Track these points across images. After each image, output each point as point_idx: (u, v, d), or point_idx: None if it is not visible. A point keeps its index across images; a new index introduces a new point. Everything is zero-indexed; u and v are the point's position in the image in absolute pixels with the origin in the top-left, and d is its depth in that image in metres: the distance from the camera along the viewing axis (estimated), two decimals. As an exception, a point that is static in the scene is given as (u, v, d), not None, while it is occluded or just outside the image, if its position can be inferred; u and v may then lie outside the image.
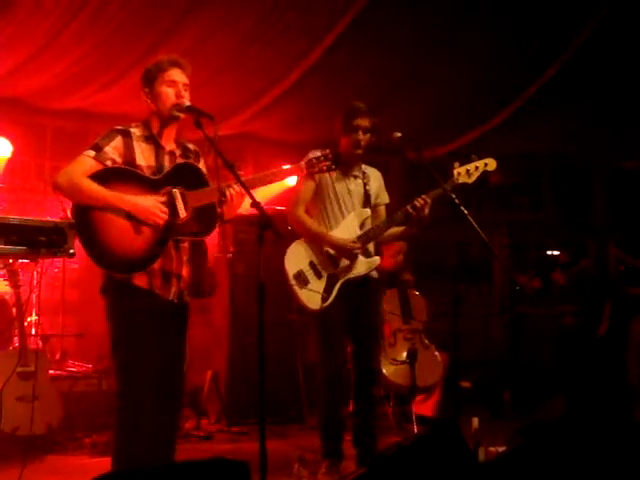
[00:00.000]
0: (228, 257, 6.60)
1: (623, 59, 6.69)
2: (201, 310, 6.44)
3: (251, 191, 3.46)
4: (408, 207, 4.49)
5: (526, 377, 7.57)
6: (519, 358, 7.95)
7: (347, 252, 4.52)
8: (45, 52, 5.76)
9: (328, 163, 3.84)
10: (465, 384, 6.96)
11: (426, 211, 4.47)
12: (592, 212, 9.32)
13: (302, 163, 3.83)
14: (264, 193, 7.33)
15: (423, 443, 3.14)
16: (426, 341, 6.52)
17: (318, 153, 3.87)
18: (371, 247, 4.70)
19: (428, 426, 6.02)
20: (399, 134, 4.53)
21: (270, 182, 3.78)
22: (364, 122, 4.57)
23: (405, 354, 6.19)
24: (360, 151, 4.61)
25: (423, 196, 4.49)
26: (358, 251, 4.53)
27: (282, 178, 3.86)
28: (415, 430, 5.94)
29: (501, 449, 4.41)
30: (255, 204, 3.34)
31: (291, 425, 6.42)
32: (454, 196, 4.39)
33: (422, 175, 8.43)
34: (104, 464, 3.96)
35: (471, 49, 6.53)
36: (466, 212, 4.24)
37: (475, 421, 4.72)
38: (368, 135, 4.59)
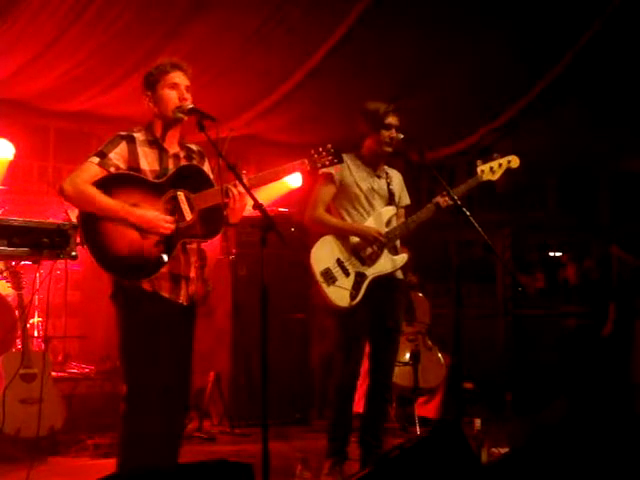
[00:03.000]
0: (231, 259, 6.60)
1: (630, 59, 6.68)
2: (204, 312, 6.44)
3: (253, 192, 3.46)
4: (439, 200, 4.49)
5: (529, 378, 7.57)
6: (522, 359, 7.95)
7: (372, 238, 4.50)
8: (48, 54, 5.77)
9: (330, 157, 3.83)
10: (468, 385, 6.96)
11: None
12: (596, 213, 9.30)
13: (305, 159, 3.81)
14: (267, 195, 7.34)
15: (426, 444, 3.14)
16: (429, 343, 6.53)
17: (320, 148, 3.85)
18: (398, 245, 4.67)
19: (431, 427, 6.03)
20: (401, 136, 4.53)
21: (274, 180, 3.76)
22: (395, 120, 4.57)
23: (408, 355, 6.19)
24: (390, 149, 4.59)
25: (446, 198, 4.48)
26: (382, 238, 4.51)
27: (286, 175, 3.82)
28: (418, 432, 5.94)
29: (504, 450, 4.42)
30: (257, 206, 3.34)
31: (295, 427, 6.42)
32: (456, 198, 4.39)
33: (424, 177, 8.46)
34: (107, 466, 3.98)
35: (475, 50, 6.53)
36: (468, 214, 4.23)
37: (478, 422, 4.72)
38: (398, 134, 4.56)
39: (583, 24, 6.44)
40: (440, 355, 6.49)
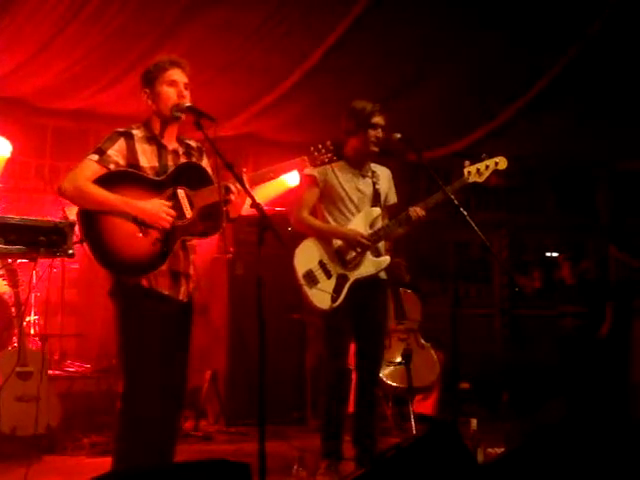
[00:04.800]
0: (228, 258, 6.60)
1: (630, 59, 6.68)
2: (200, 310, 6.44)
3: (251, 191, 3.46)
4: (410, 210, 4.50)
5: (525, 378, 7.57)
6: (518, 359, 7.96)
7: (355, 242, 4.50)
8: (46, 52, 5.76)
9: (330, 154, 3.83)
10: (464, 385, 6.96)
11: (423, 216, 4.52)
12: (595, 214, 9.30)
13: (304, 156, 3.81)
14: (264, 194, 7.33)
15: (422, 444, 3.14)
16: (422, 341, 6.51)
17: (319, 145, 3.85)
18: (381, 247, 4.68)
19: (427, 425, 6.03)
20: (399, 135, 4.51)
21: (275, 177, 3.78)
22: (382, 120, 4.58)
23: (400, 355, 6.17)
24: (377, 148, 4.60)
25: (419, 209, 4.49)
26: (365, 242, 4.51)
27: (286, 172, 3.84)
28: (414, 431, 5.94)
29: (500, 450, 4.41)
30: (255, 205, 3.34)
31: (292, 426, 6.42)
32: (453, 197, 4.37)
33: (422, 177, 8.45)
34: (103, 464, 3.96)
35: (473, 50, 6.52)
36: (465, 213, 4.22)
37: (474, 422, 4.72)
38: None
39: (583, 24, 6.43)
40: (433, 352, 6.47)
